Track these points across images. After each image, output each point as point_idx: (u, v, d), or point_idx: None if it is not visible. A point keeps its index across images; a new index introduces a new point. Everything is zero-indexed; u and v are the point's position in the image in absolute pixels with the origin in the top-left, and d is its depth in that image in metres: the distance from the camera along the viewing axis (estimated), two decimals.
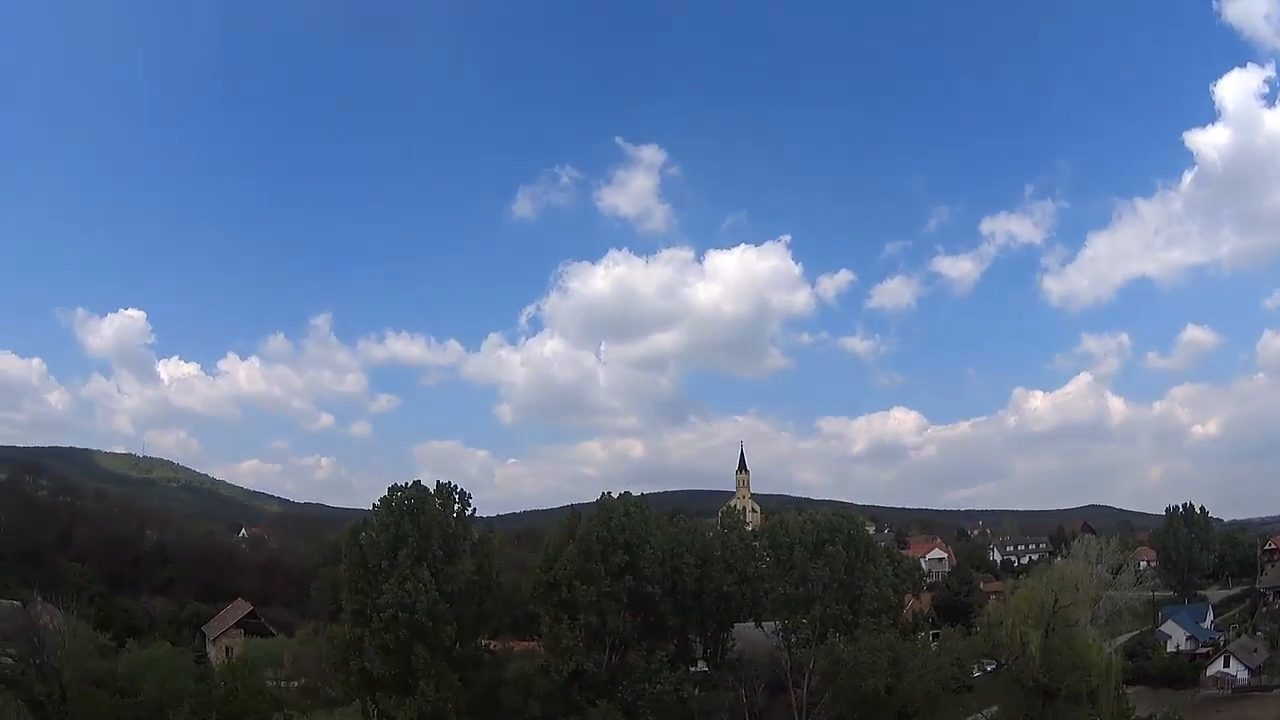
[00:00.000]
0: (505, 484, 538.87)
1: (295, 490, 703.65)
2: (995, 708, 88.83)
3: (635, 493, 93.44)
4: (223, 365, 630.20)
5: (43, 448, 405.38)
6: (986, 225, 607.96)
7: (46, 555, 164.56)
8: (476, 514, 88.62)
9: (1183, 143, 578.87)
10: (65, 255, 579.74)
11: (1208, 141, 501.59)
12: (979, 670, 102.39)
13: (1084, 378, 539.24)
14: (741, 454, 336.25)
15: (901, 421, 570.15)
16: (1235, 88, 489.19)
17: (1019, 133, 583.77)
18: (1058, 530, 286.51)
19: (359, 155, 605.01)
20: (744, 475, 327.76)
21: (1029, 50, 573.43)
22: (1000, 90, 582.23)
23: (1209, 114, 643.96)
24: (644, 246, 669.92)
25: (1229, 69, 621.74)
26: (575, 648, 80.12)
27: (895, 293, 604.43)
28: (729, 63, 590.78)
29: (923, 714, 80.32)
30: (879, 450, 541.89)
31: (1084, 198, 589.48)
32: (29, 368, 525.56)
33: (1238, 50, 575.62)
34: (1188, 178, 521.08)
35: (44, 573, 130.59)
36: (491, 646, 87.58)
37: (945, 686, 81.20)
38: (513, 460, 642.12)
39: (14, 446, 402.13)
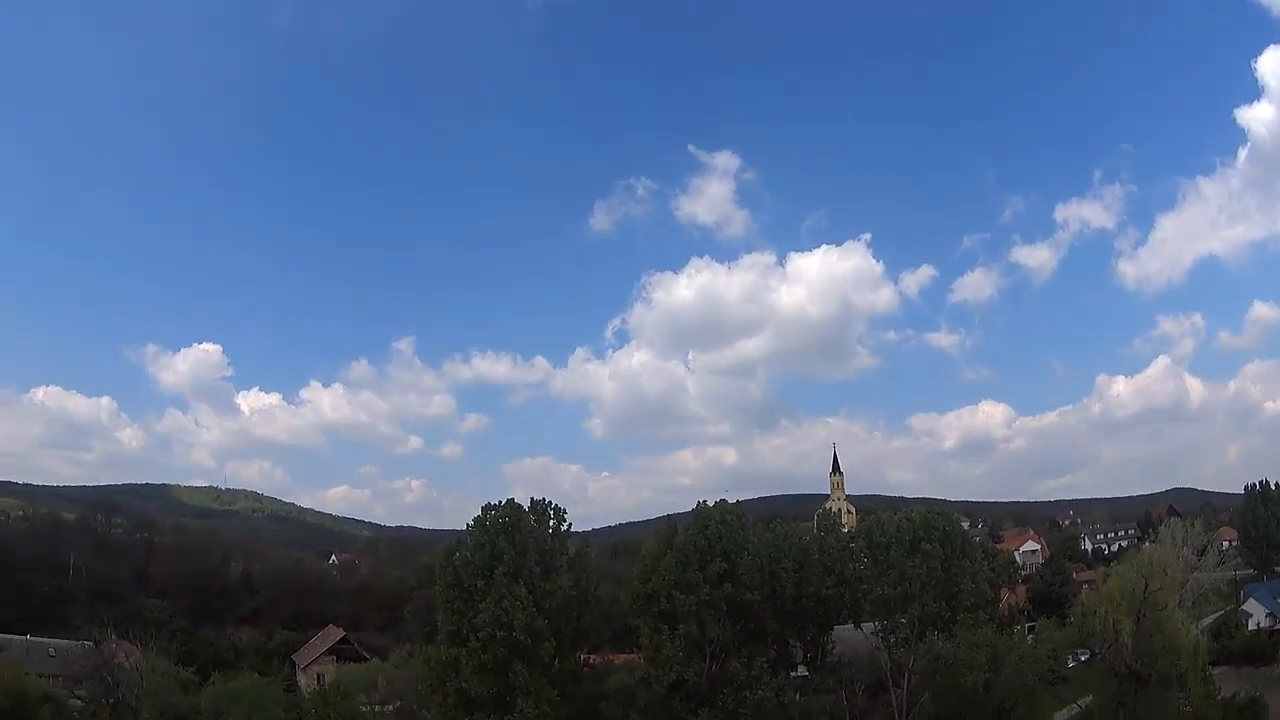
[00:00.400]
0: (599, 497, 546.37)
1: (386, 514, 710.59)
2: (1090, 697, 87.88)
3: (730, 500, 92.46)
4: (305, 394, 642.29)
5: (117, 485, 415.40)
6: (1060, 212, 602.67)
7: (123, 593, 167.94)
8: (572, 529, 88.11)
9: (1234, 120, 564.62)
10: (132, 294, 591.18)
11: (1256, 118, 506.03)
12: (1073, 660, 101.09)
13: (1162, 360, 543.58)
14: (835, 456, 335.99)
15: (990, 415, 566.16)
16: (1274, 64, 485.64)
17: (1082, 117, 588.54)
18: (1145, 515, 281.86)
19: (431, 179, 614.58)
20: (838, 477, 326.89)
21: (1079, 35, 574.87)
22: (1060, 75, 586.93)
23: (1254, 90, 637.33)
24: (725, 253, 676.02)
25: (1265, 46, 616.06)
26: (675, 658, 79.22)
27: (976, 285, 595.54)
28: (794, 63, 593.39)
29: (1021, 708, 78.52)
30: (969, 444, 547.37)
31: (1150, 179, 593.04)
32: (98, 406, 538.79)
33: (1270, 28, 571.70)
34: (1242, 154, 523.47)
35: (120, 611, 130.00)
36: (591, 660, 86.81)
37: (1042, 679, 79.69)
38: (606, 473, 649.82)
39: (84, 486, 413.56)
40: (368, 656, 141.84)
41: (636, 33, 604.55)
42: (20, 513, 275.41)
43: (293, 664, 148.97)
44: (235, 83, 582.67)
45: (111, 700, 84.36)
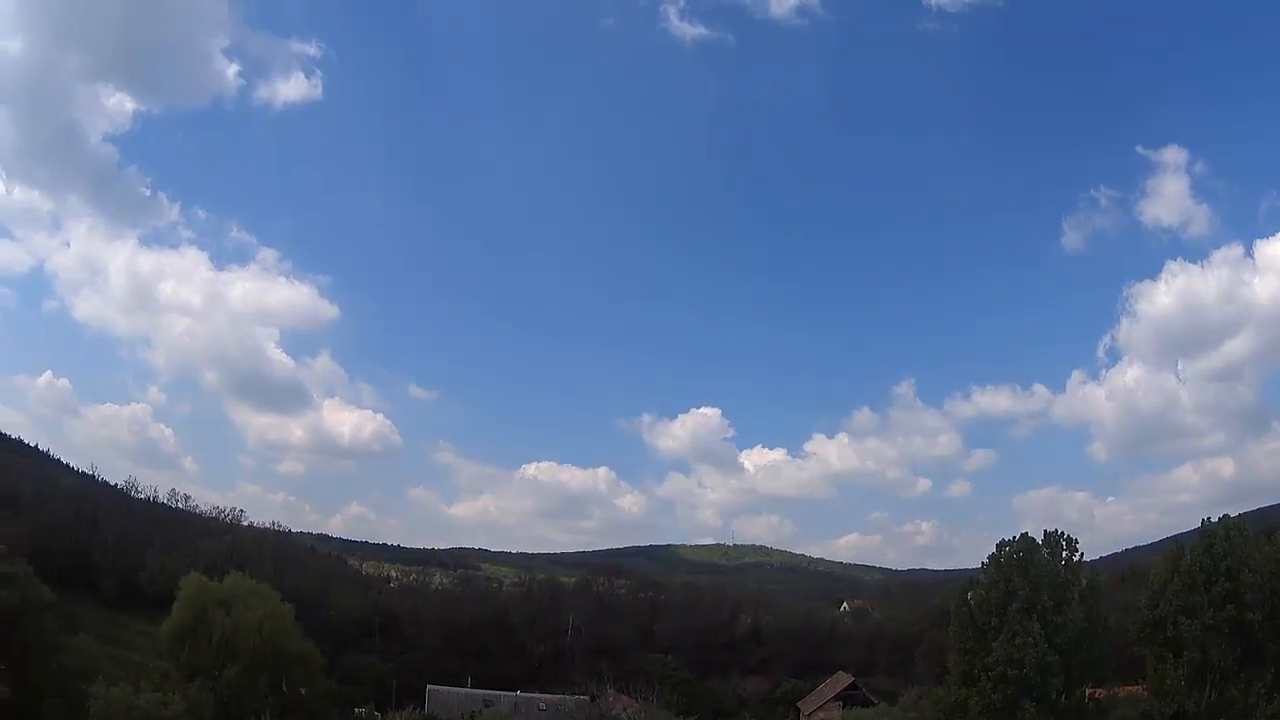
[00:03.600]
0: (1105, 523, 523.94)
1: (897, 558, 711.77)
2: None
3: (1233, 514, 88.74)
4: (809, 447, 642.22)
5: (620, 549, 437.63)
6: None
7: (624, 650, 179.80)
8: (1083, 558, 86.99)
9: None
10: (624, 370, 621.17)
11: None
12: None
13: None
14: None
15: None
16: None
17: None
18: None
19: (899, 222, 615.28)
20: None
21: None
22: None
23: None
24: (1195, 252, 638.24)
25: None
26: (1178, 687, 77.84)
27: None
28: (1217, 41, 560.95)
29: None
30: None
31: None
32: (595, 477, 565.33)
33: None
34: None
35: (621, 666, 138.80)
36: (1096, 695, 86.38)
37: None
38: (1111, 498, 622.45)
39: (583, 551, 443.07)
40: (875, 701, 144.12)
41: (1055, 42, 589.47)
42: (515, 580, 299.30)
43: (797, 711, 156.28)
44: (686, 155, 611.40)
45: None
